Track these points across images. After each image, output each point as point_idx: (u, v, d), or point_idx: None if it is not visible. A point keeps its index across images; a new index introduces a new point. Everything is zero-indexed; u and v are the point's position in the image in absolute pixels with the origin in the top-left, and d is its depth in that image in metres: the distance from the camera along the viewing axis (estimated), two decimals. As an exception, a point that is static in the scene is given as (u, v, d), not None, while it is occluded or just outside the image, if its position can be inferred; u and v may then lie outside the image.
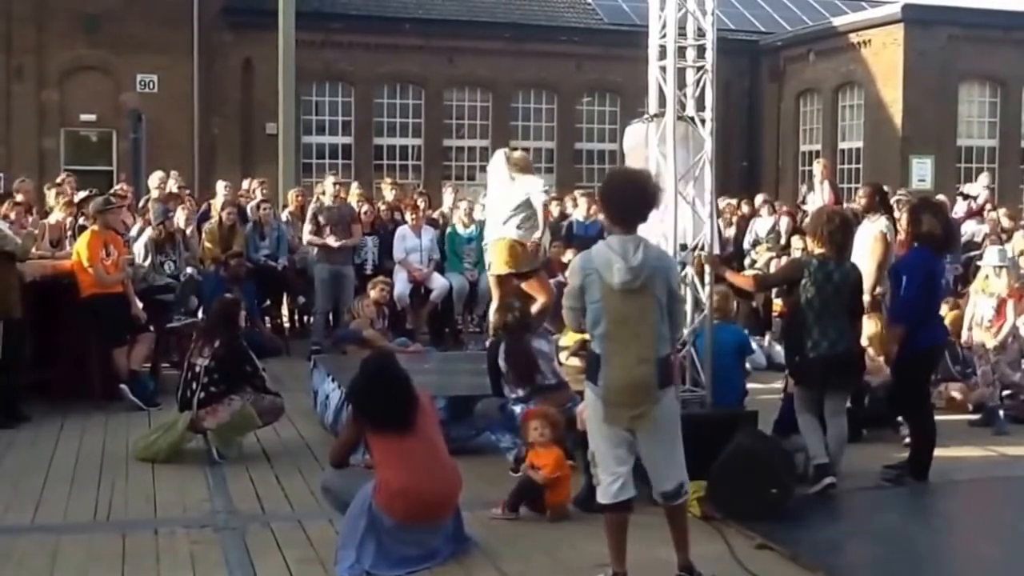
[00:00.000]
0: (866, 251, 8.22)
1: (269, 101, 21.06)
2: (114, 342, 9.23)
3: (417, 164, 25.62)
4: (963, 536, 6.48)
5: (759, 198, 15.09)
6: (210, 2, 23.21)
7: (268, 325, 13.03)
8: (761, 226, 13.77)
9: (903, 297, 7.00)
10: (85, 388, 9.22)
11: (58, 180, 13.62)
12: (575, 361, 9.34)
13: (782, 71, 27.30)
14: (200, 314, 10.82)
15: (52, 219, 11.21)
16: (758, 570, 5.33)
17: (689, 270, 6.81)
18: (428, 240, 12.70)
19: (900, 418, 7.75)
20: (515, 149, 9.60)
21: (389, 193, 14.54)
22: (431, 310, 12.70)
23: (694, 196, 6.88)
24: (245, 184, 15.29)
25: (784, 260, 12.16)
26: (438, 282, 12.52)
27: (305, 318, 13.59)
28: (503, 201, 8.27)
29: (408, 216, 12.97)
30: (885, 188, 9.83)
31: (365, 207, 13.20)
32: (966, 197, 16.45)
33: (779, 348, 9.99)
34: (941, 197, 13.34)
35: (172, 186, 13.85)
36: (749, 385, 8.02)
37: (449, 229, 13.02)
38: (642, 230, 5.02)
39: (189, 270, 11.23)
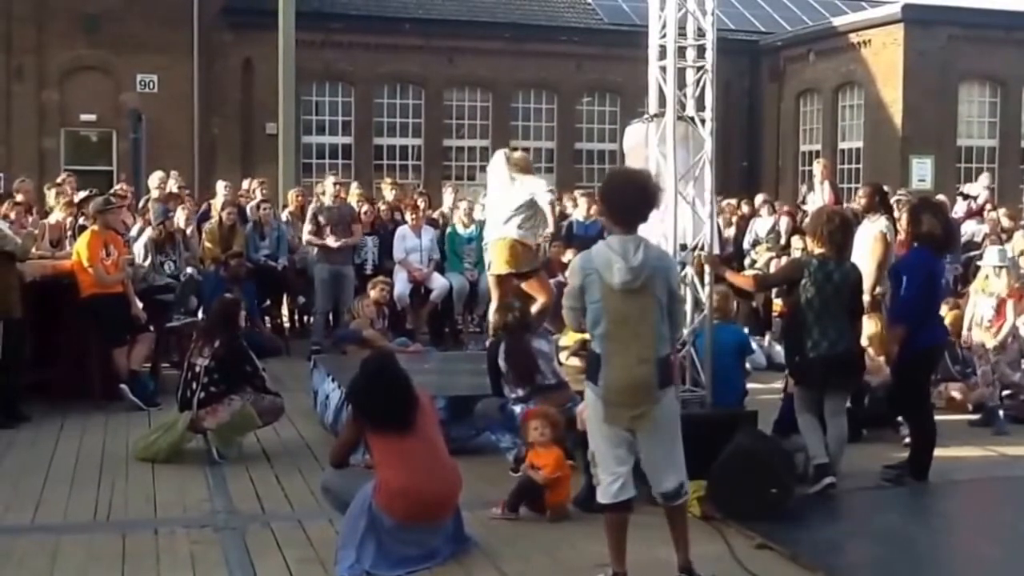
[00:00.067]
0: (866, 251, 8.22)
1: (269, 101, 21.07)
2: (114, 342, 9.23)
3: (417, 164, 25.63)
4: (963, 536, 6.48)
5: (759, 198, 15.09)
6: (210, 2, 23.22)
7: (268, 325, 13.03)
8: (761, 226, 13.77)
9: (903, 297, 7.00)
10: (85, 388, 9.22)
11: (58, 180, 13.63)
12: (575, 361, 9.34)
13: (782, 71, 27.30)
14: (200, 314, 10.82)
15: (52, 219, 11.21)
16: (758, 570, 5.33)
17: (689, 270, 6.81)
18: (428, 240, 12.70)
19: (900, 418, 7.75)
20: (515, 149, 9.60)
21: (389, 193, 14.54)
22: (431, 310, 12.70)
23: (694, 196, 6.88)
24: (245, 184, 15.30)
25: (784, 260, 12.16)
26: (438, 282, 12.52)
27: (305, 318, 13.59)
28: (504, 201, 8.27)
29: (408, 216, 12.97)
30: (885, 188, 9.83)
31: (365, 207, 13.21)
32: (966, 197, 16.46)
33: (779, 348, 9.99)
34: (941, 197, 13.35)
35: (172, 186, 13.85)
36: (749, 385, 8.02)
37: (449, 229, 13.02)
38: (642, 230, 5.02)
39: (189, 270, 11.23)
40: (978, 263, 10.62)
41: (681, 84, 6.88)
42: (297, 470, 7.16)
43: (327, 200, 12.45)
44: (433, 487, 5.40)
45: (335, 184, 12.78)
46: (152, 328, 9.67)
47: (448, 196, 14.62)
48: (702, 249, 6.87)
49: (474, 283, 12.53)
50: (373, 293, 11.44)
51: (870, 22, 25.04)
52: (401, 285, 12.30)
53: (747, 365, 8.17)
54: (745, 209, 14.91)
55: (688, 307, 6.67)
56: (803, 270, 6.82)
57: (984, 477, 7.50)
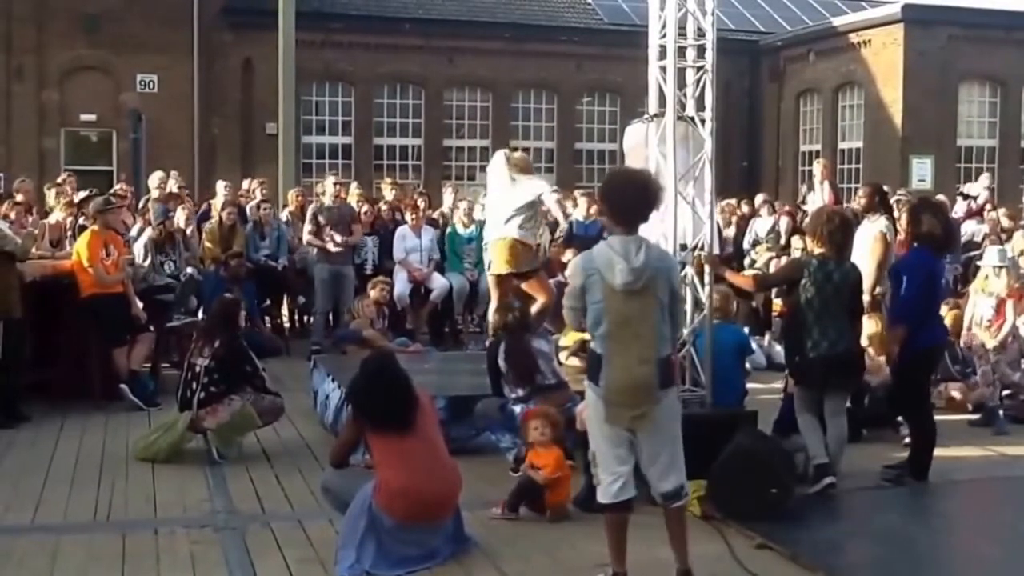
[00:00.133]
0: (866, 251, 8.23)
1: (269, 101, 21.07)
2: (114, 342, 9.23)
3: (417, 164, 25.63)
4: (963, 536, 6.48)
5: (759, 198, 15.09)
6: (210, 2, 23.23)
7: (268, 325, 13.03)
8: (761, 226, 13.77)
9: (903, 297, 7.00)
10: (85, 388, 9.22)
11: (58, 180, 13.63)
12: (575, 361, 9.34)
13: (782, 71, 27.31)
14: (200, 314, 10.82)
15: (52, 219, 11.22)
16: (758, 570, 5.33)
17: (689, 270, 6.81)
18: (428, 240, 12.70)
19: (900, 418, 7.75)
20: (515, 149, 9.61)
21: (389, 193, 14.54)
22: (431, 310, 12.70)
23: (694, 196, 6.88)
24: (245, 184, 15.30)
25: (784, 260, 12.16)
26: (438, 282, 12.52)
27: (305, 318, 13.59)
28: (504, 201, 8.26)
29: (408, 216, 12.97)
30: (885, 188, 9.83)
31: (365, 207, 13.21)
32: (966, 197, 16.46)
33: (779, 348, 9.99)
34: (941, 197, 13.34)
35: (172, 186, 13.85)
36: (749, 385, 8.01)
37: (449, 229, 13.02)
38: (642, 230, 5.01)
39: (189, 270, 11.22)
40: (978, 263, 10.62)
41: (681, 84, 6.88)
42: (297, 470, 7.16)
43: (327, 200, 12.45)
44: (433, 487, 5.40)
45: (335, 184, 12.78)
46: (152, 328, 9.67)
47: (448, 196, 14.62)
48: (702, 249, 6.87)
49: (474, 283, 12.53)
50: (373, 293, 11.44)
51: (870, 22, 25.04)
52: (401, 285, 12.30)
53: (747, 365, 8.17)
54: (745, 209, 14.90)
55: (688, 307, 6.67)
56: (803, 270, 6.82)
57: (984, 477, 7.50)
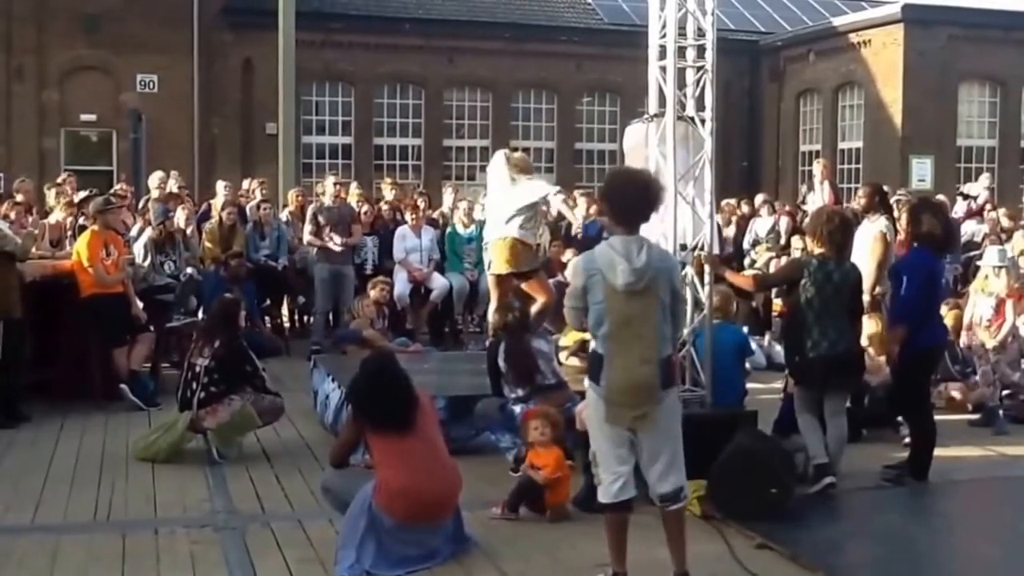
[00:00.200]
0: (866, 251, 8.23)
1: (269, 101, 21.07)
2: (114, 342, 9.23)
3: (417, 164, 25.63)
4: (963, 536, 6.47)
5: (759, 198, 15.09)
6: (210, 2, 23.23)
7: (268, 325, 13.03)
8: (761, 226, 13.78)
9: (903, 297, 7.00)
10: (85, 388, 9.22)
11: (58, 180, 13.63)
12: (575, 361, 9.34)
13: (782, 71, 27.31)
14: (200, 314, 10.82)
15: (52, 219, 11.22)
16: (758, 570, 5.33)
17: (689, 270, 6.81)
18: (428, 240, 12.70)
19: (900, 418, 7.75)
20: (515, 150, 9.61)
21: (389, 193, 14.54)
22: (431, 310, 12.71)
23: (694, 196, 6.88)
24: (245, 184, 15.30)
25: (784, 260, 12.17)
26: (438, 282, 12.52)
27: (305, 318, 13.59)
28: (504, 202, 8.26)
29: (408, 216, 12.97)
30: (885, 188, 9.83)
31: (365, 207, 13.21)
32: (966, 197, 16.46)
33: (779, 348, 9.99)
34: (941, 197, 13.34)
35: (172, 186, 13.85)
36: (749, 385, 8.02)
37: (449, 229, 13.02)
38: (642, 230, 5.01)
39: (189, 270, 11.22)
40: (978, 263, 10.62)
41: (681, 84, 6.89)
42: (297, 470, 7.16)
43: (327, 200, 12.45)
44: (433, 487, 5.40)
45: (335, 184, 12.78)
46: (152, 328, 9.67)
47: (448, 196, 14.62)
48: (702, 249, 6.87)
49: (474, 283, 12.53)
50: (373, 293, 11.44)
51: (870, 22, 25.04)
52: (401, 285, 12.31)
53: (747, 365, 8.17)
54: (745, 209, 14.91)
55: (688, 307, 6.66)
56: (803, 270, 6.82)
57: (984, 477, 7.50)
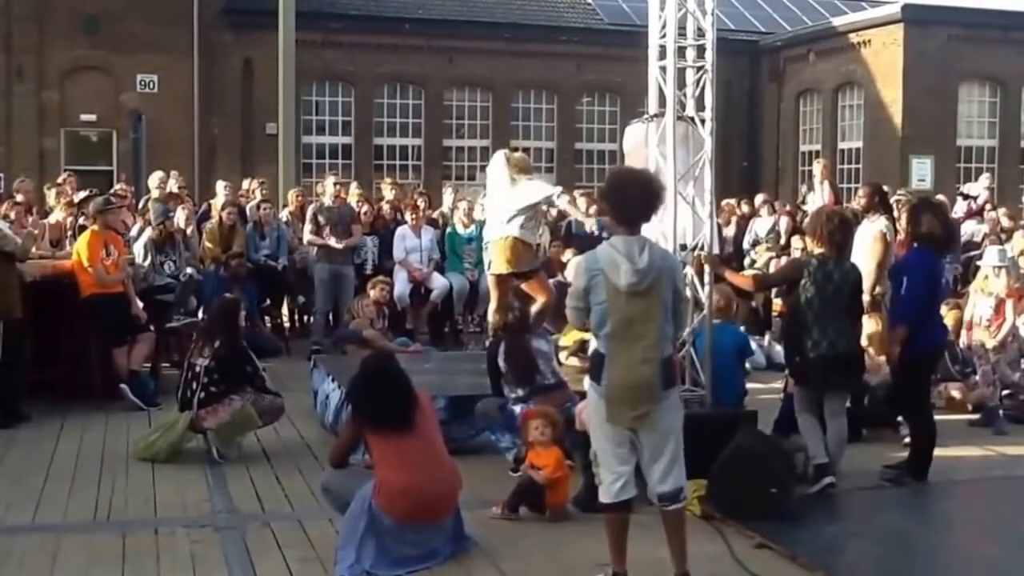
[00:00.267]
0: (866, 251, 8.23)
1: (269, 101, 21.08)
2: (114, 342, 9.23)
3: (417, 164, 25.64)
4: (963, 536, 6.47)
5: (759, 198, 15.10)
6: (210, 2, 23.24)
7: (268, 325, 13.02)
8: (761, 226, 13.78)
9: (904, 298, 6.99)
10: (85, 388, 9.21)
11: (58, 180, 13.64)
12: (575, 361, 9.34)
13: (782, 71, 27.31)
14: (200, 314, 10.82)
15: (52, 219, 11.23)
16: (758, 570, 5.33)
17: (689, 270, 6.81)
18: (428, 240, 12.70)
19: (900, 418, 7.75)
20: (515, 150, 9.62)
21: (389, 193, 14.54)
22: (431, 310, 12.70)
23: (694, 196, 6.89)
24: (245, 184, 15.30)
25: (784, 260, 12.17)
26: (438, 282, 12.52)
27: (305, 318, 13.59)
28: (505, 202, 8.26)
29: (408, 216, 12.97)
30: (885, 188, 9.83)
31: (365, 207, 13.22)
32: (966, 197, 16.45)
33: (779, 348, 9.99)
34: (941, 197, 13.34)
35: (172, 186, 13.85)
36: (749, 385, 8.02)
37: (449, 229, 13.02)
38: (642, 230, 5.02)
39: (189, 270, 11.21)
40: (978, 263, 10.62)
41: (681, 84, 6.89)
42: (297, 470, 7.16)
43: (327, 200, 12.45)
44: (433, 487, 5.40)
45: (335, 184, 12.78)
46: (152, 328, 9.67)
47: (448, 196, 14.63)
48: (702, 249, 6.87)
49: (474, 283, 12.53)
50: (373, 293, 11.43)
51: (870, 22, 25.06)
52: (401, 285, 12.31)
53: (747, 365, 8.17)
54: (745, 209, 14.91)
55: (689, 307, 6.66)
56: (803, 270, 6.82)
57: (984, 477, 7.50)
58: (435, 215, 13.91)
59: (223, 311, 7.89)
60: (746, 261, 13.38)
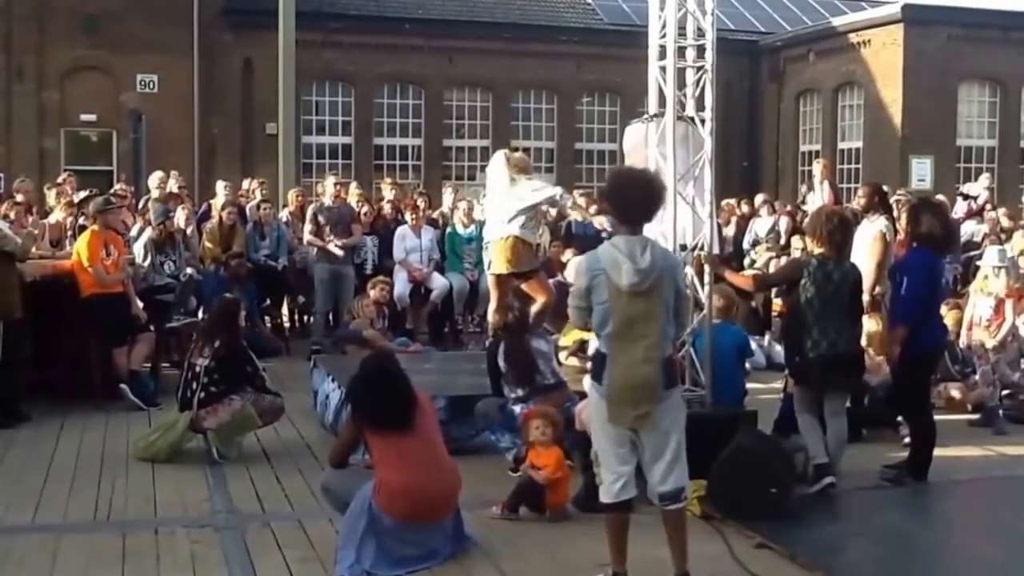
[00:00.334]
0: (865, 251, 8.23)
1: (269, 101, 21.08)
2: (114, 342, 9.23)
3: (417, 164, 25.64)
4: (963, 536, 6.48)
5: (759, 198, 15.10)
6: (210, 2, 23.25)
7: (268, 325, 13.02)
8: (761, 226, 13.78)
9: (904, 298, 6.99)
10: (85, 388, 9.22)
11: (58, 180, 13.64)
12: (575, 361, 9.34)
13: (782, 71, 27.32)
14: (200, 314, 10.82)
15: (52, 219, 11.23)
16: (758, 570, 5.33)
17: (689, 270, 6.81)
18: (428, 240, 12.70)
19: (900, 418, 7.75)
20: (516, 150, 9.62)
21: (389, 193, 14.54)
22: (431, 310, 12.70)
23: (694, 196, 6.89)
24: (245, 184, 15.30)
25: (784, 260, 12.17)
26: (438, 282, 12.52)
27: (305, 318, 13.59)
28: (505, 202, 8.26)
29: (408, 216, 12.97)
30: (885, 188, 9.83)
31: (365, 207, 13.22)
32: (966, 197, 16.45)
33: (779, 348, 9.99)
34: (941, 197, 13.34)
35: (172, 186, 13.85)
36: (749, 385, 8.02)
37: (449, 229, 13.02)
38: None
39: (189, 270, 11.22)
40: (978, 263, 10.62)
41: (681, 84, 6.89)
42: (297, 470, 7.16)
43: (327, 200, 12.46)
44: (432, 487, 5.40)
45: (335, 184, 12.79)
46: (152, 328, 9.67)
47: (448, 196, 14.63)
48: (702, 249, 6.87)
49: (474, 283, 12.53)
50: (373, 293, 11.43)
51: (870, 22, 25.06)
52: (401, 285, 12.30)
53: (747, 365, 8.17)
54: (745, 209, 14.91)
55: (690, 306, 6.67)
56: (803, 270, 6.82)
57: (984, 477, 7.51)
58: (435, 215, 13.91)
59: (223, 311, 7.89)
60: (746, 261, 13.38)
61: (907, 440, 7.48)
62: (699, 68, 6.96)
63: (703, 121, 6.90)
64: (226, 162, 22.66)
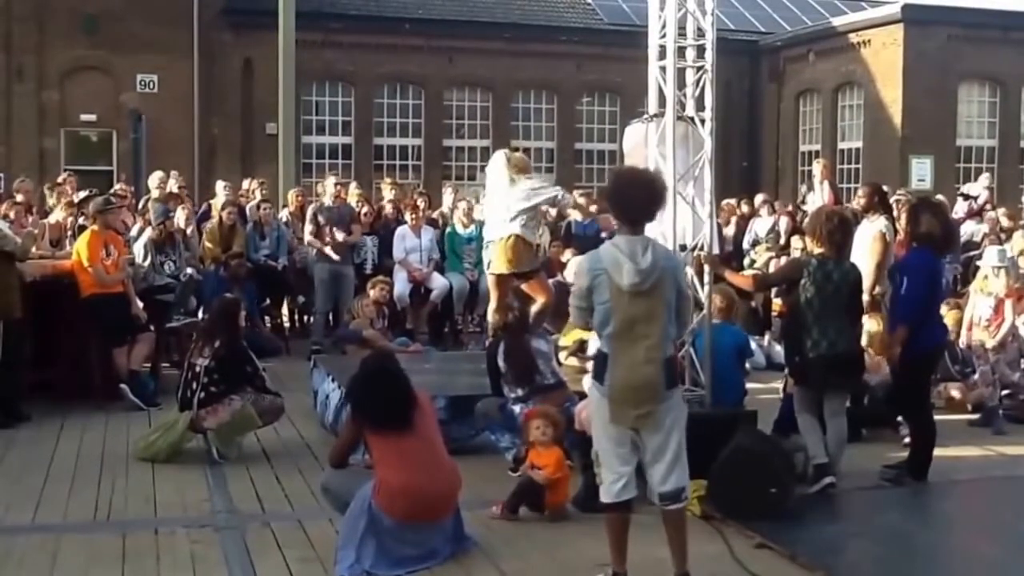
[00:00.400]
0: (865, 251, 8.23)
1: (269, 101, 21.08)
2: (114, 342, 9.23)
3: (417, 164, 25.65)
4: (963, 536, 6.48)
5: (759, 198, 15.10)
6: (210, 2, 23.25)
7: (268, 325, 13.03)
8: (761, 226, 13.78)
9: (904, 298, 7.00)
10: (85, 388, 9.22)
11: (58, 180, 13.64)
12: (574, 361, 9.33)
13: (782, 71, 27.32)
14: (200, 314, 10.82)
15: (52, 219, 11.23)
16: (758, 570, 5.33)
17: (689, 270, 6.80)
18: (428, 240, 12.70)
19: (900, 418, 7.75)
20: (516, 150, 9.62)
21: (389, 193, 14.55)
22: (431, 310, 12.71)
23: (694, 196, 6.89)
24: (245, 184, 15.30)
25: (783, 260, 12.16)
26: (438, 282, 12.52)
27: (305, 318, 13.59)
28: (505, 202, 8.27)
29: (408, 216, 12.98)
30: (884, 188, 9.84)
31: (365, 207, 13.22)
32: (966, 197, 16.45)
33: (779, 348, 9.99)
34: (940, 197, 13.34)
35: (172, 186, 13.85)
36: (749, 385, 8.02)
37: (449, 229, 13.02)
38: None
39: (189, 270, 11.22)
40: (978, 263, 10.62)
41: (681, 84, 6.89)
42: (297, 470, 7.16)
43: (327, 200, 12.46)
44: (432, 487, 5.40)
45: (335, 184, 12.79)
46: (152, 328, 9.67)
47: (448, 196, 14.63)
48: (701, 249, 6.87)
49: (474, 283, 12.53)
50: (373, 293, 11.43)
51: (870, 22, 25.07)
52: (401, 285, 12.31)
53: (747, 365, 8.17)
54: (745, 209, 14.91)
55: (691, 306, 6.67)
56: (803, 270, 6.82)
57: (984, 477, 7.51)
58: (435, 215, 13.91)
59: (223, 311, 7.89)
60: (746, 261, 13.38)
61: (907, 440, 7.49)
62: (699, 68, 6.96)
63: (703, 121, 6.90)
64: (226, 162, 22.66)
